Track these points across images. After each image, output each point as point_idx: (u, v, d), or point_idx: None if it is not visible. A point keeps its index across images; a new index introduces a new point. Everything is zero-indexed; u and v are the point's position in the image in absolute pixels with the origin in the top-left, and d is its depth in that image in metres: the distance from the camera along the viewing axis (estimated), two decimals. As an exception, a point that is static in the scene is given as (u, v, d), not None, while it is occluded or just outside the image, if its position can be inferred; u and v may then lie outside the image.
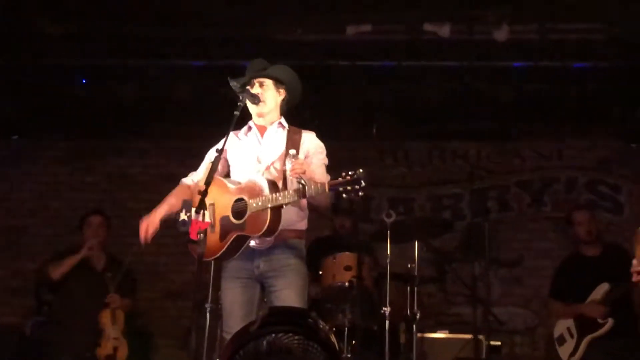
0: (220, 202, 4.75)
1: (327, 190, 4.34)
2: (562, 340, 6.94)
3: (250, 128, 5.04)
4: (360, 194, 4.23)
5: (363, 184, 4.22)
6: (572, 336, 6.86)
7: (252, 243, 4.73)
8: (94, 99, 8.55)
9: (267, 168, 4.87)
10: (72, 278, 7.17)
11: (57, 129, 9.43)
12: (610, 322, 6.65)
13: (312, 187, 4.38)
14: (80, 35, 7.74)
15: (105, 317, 6.99)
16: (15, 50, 7.95)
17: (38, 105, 8.75)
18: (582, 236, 7.11)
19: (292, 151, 4.64)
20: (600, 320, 6.69)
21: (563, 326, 6.96)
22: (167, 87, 8.36)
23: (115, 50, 8.00)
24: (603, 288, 6.77)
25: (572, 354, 6.79)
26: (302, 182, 4.41)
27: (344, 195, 4.27)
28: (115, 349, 6.93)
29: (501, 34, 7.28)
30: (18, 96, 8.58)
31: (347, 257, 6.76)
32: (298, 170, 4.49)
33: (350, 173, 4.25)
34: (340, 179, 4.28)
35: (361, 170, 4.24)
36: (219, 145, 4.69)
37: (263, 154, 4.93)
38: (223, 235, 4.73)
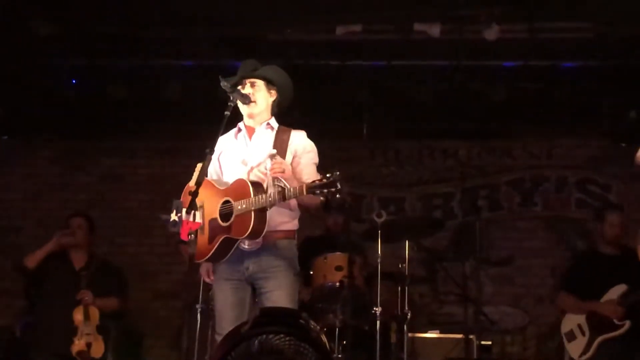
0: (209, 204, 4.75)
1: (304, 192, 4.36)
2: (572, 336, 6.90)
3: (239, 130, 5.04)
4: (337, 195, 4.24)
5: (339, 186, 4.23)
6: (583, 334, 6.82)
7: (243, 245, 4.72)
8: (84, 99, 8.53)
9: (252, 170, 4.86)
10: (51, 276, 7.20)
11: (47, 130, 9.40)
12: (627, 324, 6.61)
13: (291, 189, 4.42)
14: (70, 35, 7.73)
15: (78, 314, 6.99)
16: (5, 51, 7.92)
17: (28, 106, 8.73)
18: (609, 237, 7.03)
19: (273, 151, 4.67)
20: (616, 322, 6.66)
21: (573, 322, 6.92)
22: (157, 87, 8.34)
23: (105, 50, 7.99)
24: (620, 289, 6.70)
25: (584, 352, 6.76)
26: (281, 184, 4.43)
27: (322, 199, 4.31)
28: (88, 345, 6.92)
29: (491, 34, 7.28)
30: (8, 97, 8.56)
31: (338, 257, 6.76)
32: (277, 170, 4.53)
33: (327, 175, 4.27)
34: (317, 181, 4.29)
35: (337, 173, 4.24)
36: (212, 146, 4.69)
37: (249, 156, 4.92)
38: (211, 238, 4.74)
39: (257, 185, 4.64)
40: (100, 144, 9.61)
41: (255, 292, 4.81)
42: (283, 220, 4.81)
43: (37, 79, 8.35)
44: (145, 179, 9.47)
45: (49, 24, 7.53)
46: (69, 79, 8.45)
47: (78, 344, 6.88)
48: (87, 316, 7.00)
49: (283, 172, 4.53)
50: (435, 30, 7.38)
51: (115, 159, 9.64)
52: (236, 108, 4.86)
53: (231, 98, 4.73)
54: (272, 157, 4.61)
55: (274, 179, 4.57)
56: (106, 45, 7.91)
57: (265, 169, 4.77)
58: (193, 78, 8.20)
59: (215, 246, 4.70)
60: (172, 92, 8.29)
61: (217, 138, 4.65)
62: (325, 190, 4.24)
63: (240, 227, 4.58)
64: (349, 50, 7.90)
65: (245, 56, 5.19)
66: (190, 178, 4.87)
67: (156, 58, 8.10)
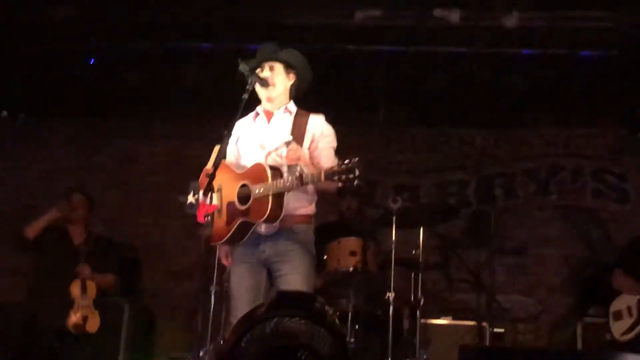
0: (227, 187, 4.76)
1: (322, 179, 4.35)
2: (618, 316, 6.92)
3: (258, 114, 5.04)
4: (355, 182, 4.22)
5: (357, 172, 4.20)
6: (630, 315, 6.83)
7: (259, 228, 4.73)
8: (102, 80, 8.55)
9: (270, 154, 4.87)
10: (50, 250, 7.29)
11: (64, 110, 9.41)
12: None
13: (310, 175, 4.42)
14: (87, 18, 7.74)
15: (76, 287, 7.05)
16: (23, 32, 7.94)
17: (46, 86, 8.74)
18: None
19: (289, 138, 4.66)
20: None
21: (623, 303, 6.93)
22: (174, 70, 8.36)
23: (123, 32, 7.99)
24: None
25: (626, 332, 6.77)
26: (299, 170, 4.43)
27: (340, 184, 4.28)
28: (84, 318, 6.97)
29: (511, 21, 7.26)
30: (26, 76, 8.59)
31: (352, 242, 6.76)
32: (292, 157, 4.53)
33: (345, 162, 4.25)
34: (335, 167, 4.28)
35: (357, 159, 4.22)
36: (229, 129, 4.70)
37: (267, 140, 4.92)
38: (229, 221, 4.76)
39: (275, 170, 4.64)
40: (116, 124, 9.63)
41: (271, 275, 4.82)
42: (300, 204, 4.82)
43: (55, 60, 8.37)
44: (161, 161, 9.48)
45: (67, 7, 7.55)
46: (86, 60, 8.45)
47: (74, 317, 6.96)
48: (84, 290, 7.07)
49: (298, 159, 4.54)
50: (454, 16, 7.36)
51: (132, 140, 9.65)
52: (254, 92, 4.87)
53: (249, 81, 4.73)
54: (287, 144, 4.61)
55: (290, 165, 4.58)
56: (124, 28, 7.92)
57: (277, 154, 4.77)
58: (210, 61, 8.20)
59: (233, 229, 4.71)
60: (190, 74, 8.30)
61: (235, 121, 4.66)
62: (344, 176, 4.23)
63: (257, 211, 4.60)
64: (367, 35, 7.87)
65: (263, 40, 5.17)
66: (206, 160, 4.88)
67: (174, 40, 8.10)
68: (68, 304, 7.01)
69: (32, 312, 7.14)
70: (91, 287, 7.12)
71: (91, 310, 7.06)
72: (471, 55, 7.99)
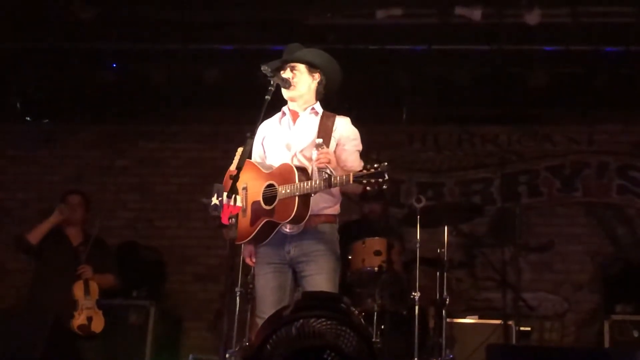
0: (253, 186, 4.77)
1: (351, 181, 4.36)
2: None
3: (284, 114, 5.04)
4: (384, 187, 4.25)
5: (386, 177, 4.23)
6: None
7: (284, 228, 4.74)
8: (125, 83, 8.60)
9: (295, 155, 4.87)
10: (49, 253, 7.27)
11: (88, 113, 9.46)
12: None
13: (338, 178, 4.43)
14: (111, 19, 7.78)
15: (78, 288, 7.06)
16: (46, 34, 8.00)
17: (69, 89, 8.81)
18: None
19: (319, 140, 4.65)
20: None
21: None
22: (197, 71, 8.38)
23: (146, 34, 8.02)
24: None
25: None
26: (328, 172, 4.43)
27: (368, 188, 4.30)
28: (89, 319, 6.99)
29: (533, 18, 7.23)
30: (50, 80, 8.65)
31: (376, 242, 6.76)
32: (323, 160, 4.52)
33: (374, 166, 4.27)
34: (364, 171, 4.30)
35: (385, 164, 4.26)
36: (252, 130, 4.70)
37: (293, 141, 4.92)
38: (253, 220, 4.76)
39: (303, 171, 4.64)
40: (140, 127, 9.67)
41: (296, 275, 4.82)
42: (325, 205, 4.82)
43: (78, 63, 8.42)
44: (185, 163, 9.51)
45: (91, 8, 7.58)
46: (109, 63, 8.50)
47: (79, 318, 6.96)
48: (87, 290, 7.08)
49: (329, 162, 4.52)
50: (476, 14, 7.34)
51: (155, 142, 9.68)
52: (279, 92, 4.87)
53: (271, 82, 4.73)
54: (318, 147, 4.60)
55: (320, 169, 4.58)
56: (147, 30, 7.95)
57: (309, 154, 4.77)
58: (233, 62, 8.22)
59: (257, 229, 4.72)
60: (212, 76, 8.32)
61: (258, 122, 4.66)
62: (372, 180, 4.24)
63: (283, 212, 4.60)
64: (388, 34, 7.86)
65: (285, 41, 5.18)
66: (230, 162, 4.88)
67: (197, 42, 8.12)
68: (71, 305, 7.01)
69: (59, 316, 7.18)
70: (94, 287, 7.12)
71: (95, 311, 7.06)
72: (493, 52, 7.95)
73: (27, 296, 7.41)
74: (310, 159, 4.75)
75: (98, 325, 7.05)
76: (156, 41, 8.14)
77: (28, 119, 9.33)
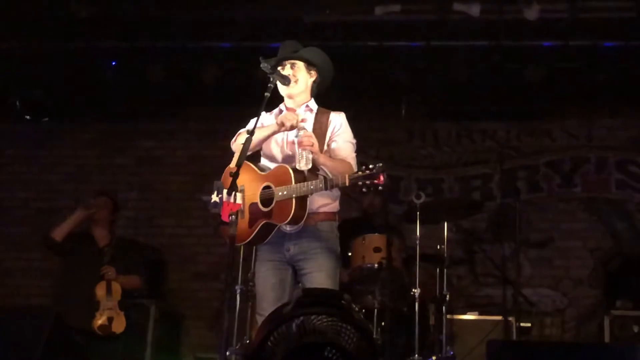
0: (250, 188, 4.77)
1: (347, 183, 4.38)
2: None
3: (281, 111, 5.04)
4: (379, 188, 4.26)
5: (382, 178, 4.24)
6: None
7: (283, 227, 4.73)
8: (123, 82, 8.58)
9: (282, 145, 4.91)
10: (75, 253, 7.31)
11: (86, 112, 9.45)
12: None
13: (333, 179, 4.46)
14: (109, 17, 7.77)
15: (101, 289, 7.08)
16: (45, 33, 7.98)
17: (68, 88, 8.79)
18: None
19: (301, 125, 4.69)
20: None
21: None
22: (195, 69, 8.36)
23: (144, 32, 8.01)
24: None
25: None
26: (310, 156, 4.47)
27: (364, 190, 4.30)
28: (110, 319, 7.01)
29: (532, 13, 7.22)
30: (48, 79, 8.63)
31: (376, 239, 6.77)
32: (306, 143, 4.55)
33: (370, 167, 4.28)
34: (360, 172, 4.31)
35: (380, 165, 4.26)
36: (250, 126, 4.71)
37: (289, 138, 4.93)
38: (252, 222, 4.78)
39: (299, 172, 4.64)
40: (139, 125, 9.66)
41: (296, 273, 4.83)
42: (324, 202, 4.83)
43: (76, 62, 8.40)
44: (184, 161, 9.50)
45: (89, 6, 7.57)
46: (108, 61, 8.49)
47: (100, 319, 6.99)
48: (109, 291, 7.10)
49: (312, 145, 4.57)
50: (475, 9, 7.34)
51: (154, 141, 9.67)
52: (276, 90, 4.87)
53: (271, 79, 4.73)
54: (299, 129, 4.63)
55: (303, 151, 4.59)
56: (145, 28, 7.94)
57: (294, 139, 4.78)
58: (231, 60, 8.21)
59: (256, 230, 4.74)
60: (210, 74, 8.31)
61: (257, 119, 4.66)
62: (368, 182, 4.25)
63: (281, 213, 4.62)
64: (387, 30, 7.85)
65: (283, 38, 5.18)
66: (228, 160, 4.88)
67: (195, 40, 8.11)
68: (93, 306, 7.04)
69: (59, 315, 7.17)
70: (116, 288, 7.15)
71: (116, 312, 7.09)
72: (492, 48, 7.94)
73: (53, 295, 7.44)
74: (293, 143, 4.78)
75: (119, 326, 7.07)
76: (154, 39, 8.13)
77: (27, 118, 9.32)
